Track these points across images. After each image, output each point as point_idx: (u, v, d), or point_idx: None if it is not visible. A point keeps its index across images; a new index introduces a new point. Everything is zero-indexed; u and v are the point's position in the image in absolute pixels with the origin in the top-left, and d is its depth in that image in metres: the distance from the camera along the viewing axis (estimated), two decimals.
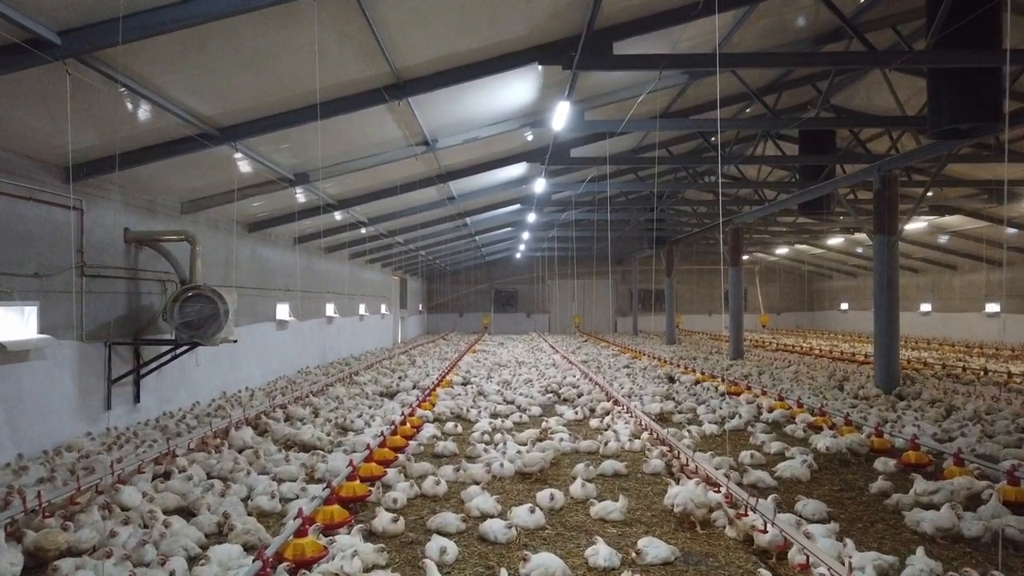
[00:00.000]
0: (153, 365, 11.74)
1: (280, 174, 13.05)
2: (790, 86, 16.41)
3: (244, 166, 12.07)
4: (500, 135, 14.14)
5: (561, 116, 11.72)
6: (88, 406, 10.57)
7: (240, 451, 9.77)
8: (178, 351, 11.58)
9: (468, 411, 13.78)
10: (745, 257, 32.58)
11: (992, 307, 33.21)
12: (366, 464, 8.38)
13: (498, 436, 11.15)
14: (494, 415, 13.81)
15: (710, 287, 52.43)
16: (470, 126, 13.44)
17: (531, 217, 26.60)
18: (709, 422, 12.74)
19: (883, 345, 16.22)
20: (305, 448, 10.35)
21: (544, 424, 12.48)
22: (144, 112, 9.07)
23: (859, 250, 39.24)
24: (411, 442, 10.44)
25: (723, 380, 17.54)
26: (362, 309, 29.90)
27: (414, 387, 17.58)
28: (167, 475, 8.29)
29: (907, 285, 40.04)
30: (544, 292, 51.58)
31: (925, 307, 38.84)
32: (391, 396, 16.55)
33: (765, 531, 6.28)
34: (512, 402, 15.62)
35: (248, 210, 15.99)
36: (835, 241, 37.68)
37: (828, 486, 8.69)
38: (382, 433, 10.02)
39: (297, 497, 7.69)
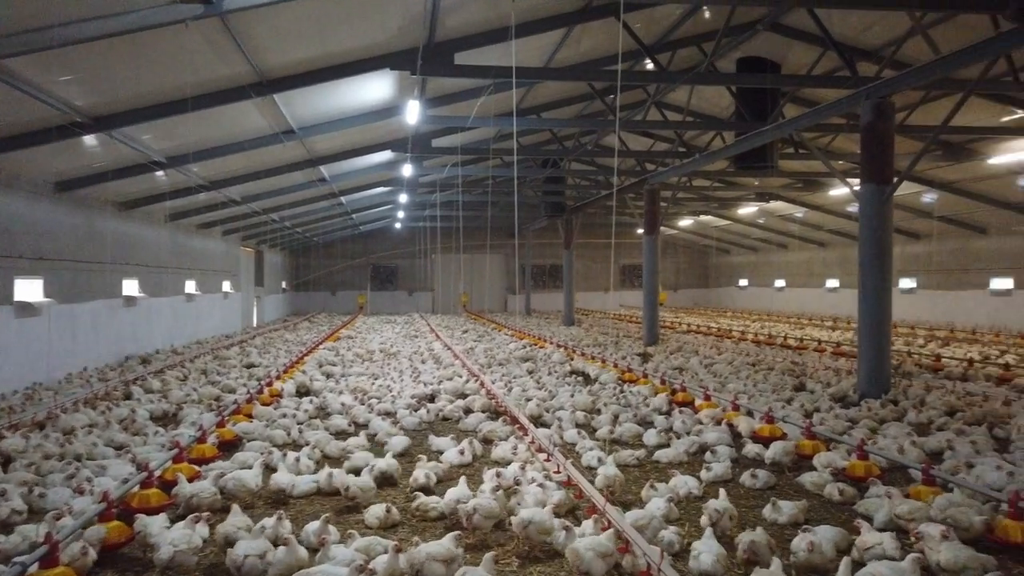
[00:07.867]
0: None
1: None
2: None
3: None
4: None
5: None
6: None
7: None
8: None
9: (282, 458, 8.18)
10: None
11: (907, 283, 30.77)
12: None
13: (311, 527, 5.78)
14: (323, 458, 8.44)
15: (604, 262, 48.64)
16: None
17: (407, 170, 21.02)
18: (670, 464, 7.98)
19: (872, 332, 12.01)
20: None
21: (413, 478, 7.30)
22: None
23: (761, 220, 36.21)
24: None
25: (663, 381, 12.83)
26: (190, 287, 23.36)
27: (216, 403, 11.68)
28: None
29: (812, 260, 37.73)
30: (428, 268, 45.95)
31: (832, 283, 36.44)
32: (173, 423, 10.62)
33: None
34: (366, 425, 10.27)
35: None
36: (746, 211, 34.38)
37: None
38: None
39: None
